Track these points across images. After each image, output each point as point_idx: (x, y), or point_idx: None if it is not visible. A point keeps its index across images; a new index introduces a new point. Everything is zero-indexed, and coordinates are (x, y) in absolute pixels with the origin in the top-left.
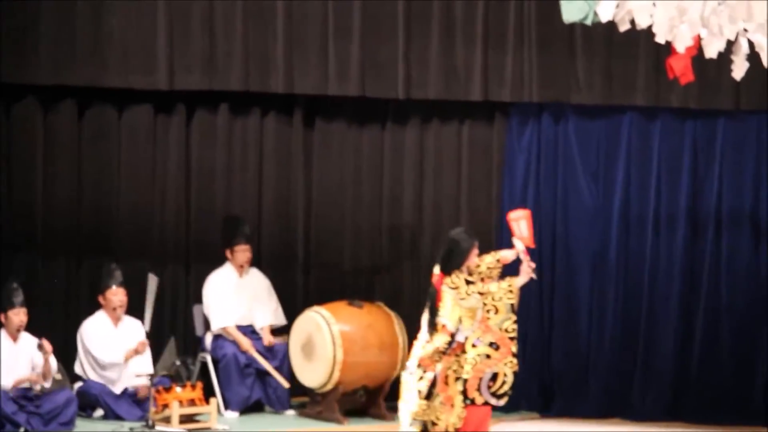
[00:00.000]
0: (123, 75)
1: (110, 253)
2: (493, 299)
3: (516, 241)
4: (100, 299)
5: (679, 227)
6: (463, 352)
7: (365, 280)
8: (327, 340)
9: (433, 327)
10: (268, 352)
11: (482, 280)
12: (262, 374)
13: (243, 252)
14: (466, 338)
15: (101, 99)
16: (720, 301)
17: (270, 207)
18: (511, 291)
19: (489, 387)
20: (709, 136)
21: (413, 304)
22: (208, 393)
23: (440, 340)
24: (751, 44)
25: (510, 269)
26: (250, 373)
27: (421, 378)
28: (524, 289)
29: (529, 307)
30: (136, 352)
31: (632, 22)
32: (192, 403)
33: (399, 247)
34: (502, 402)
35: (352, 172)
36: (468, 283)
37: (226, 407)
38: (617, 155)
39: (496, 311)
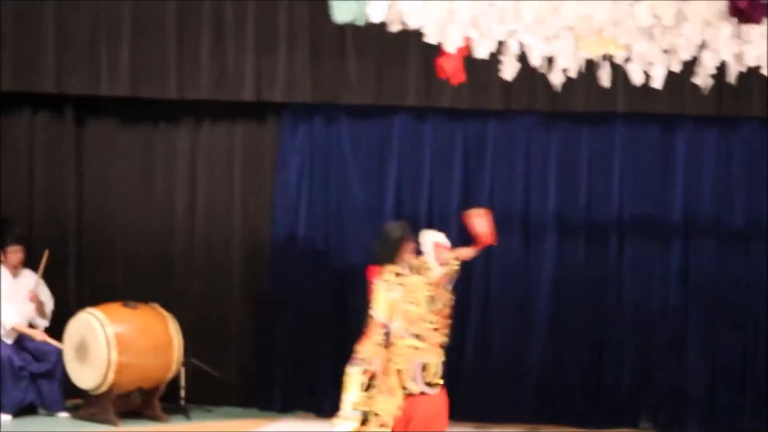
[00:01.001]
0: None
1: None
2: (413, 291)
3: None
4: None
5: (451, 227)
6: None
7: (140, 282)
8: (101, 342)
9: (367, 320)
10: (41, 354)
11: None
12: (36, 376)
13: (15, 253)
14: (395, 330)
15: None
16: (491, 298)
17: (41, 207)
18: (428, 284)
19: (422, 377)
20: (480, 135)
21: (187, 304)
22: None
23: (375, 332)
24: (520, 44)
25: None
26: (24, 375)
27: (364, 371)
28: (295, 286)
29: (303, 308)
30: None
31: (403, 22)
32: None
33: (172, 248)
34: (434, 391)
35: (124, 173)
36: (397, 275)
37: (0, 410)
38: (389, 156)
39: (417, 304)
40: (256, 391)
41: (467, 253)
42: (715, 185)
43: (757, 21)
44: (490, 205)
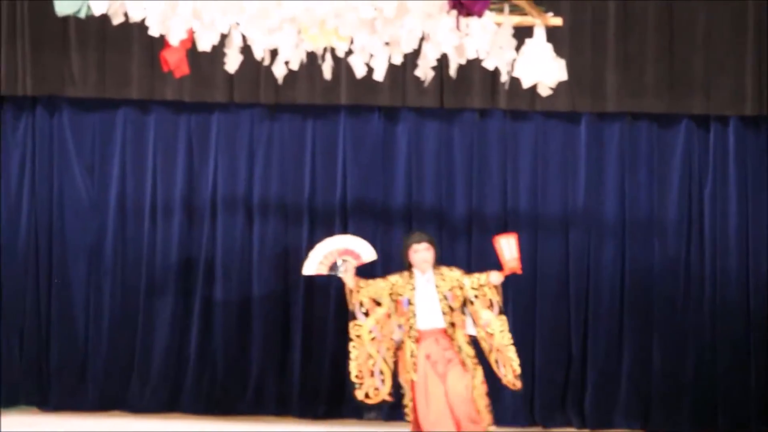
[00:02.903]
0: None
1: None
2: None
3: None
4: None
5: (175, 217)
6: None
7: None
8: None
9: None
10: None
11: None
12: None
13: None
14: None
15: None
16: (215, 287)
17: None
18: None
19: None
20: (204, 128)
21: None
22: None
23: None
24: (243, 37)
25: None
26: None
27: None
28: (19, 279)
29: (26, 302)
30: None
31: (126, 15)
32: None
33: None
34: None
35: None
36: None
37: None
38: (113, 148)
39: None
40: None
41: (497, 278)
42: (437, 175)
43: (478, 14)
44: (213, 194)
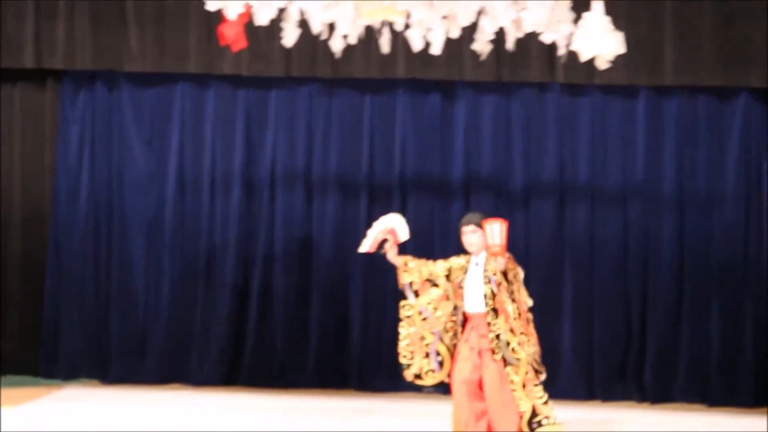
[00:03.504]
0: None
1: None
2: None
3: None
4: None
5: (233, 192)
6: None
7: None
8: None
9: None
10: None
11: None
12: None
13: None
14: None
15: None
16: (275, 261)
17: None
18: None
19: None
20: (262, 102)
21: None
22: None
23: None
24: (300, 11)
25: None
26: None
27: None
28: (78, 254)
29: (86, 277)
30: None
31: None
32: None
33: None
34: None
35: None
36: None
37: None
38: (171, 123)
39: None
40: (39, 360)
41: (496, 266)
42: (494, 149)
43: None
44: (272, 169)
